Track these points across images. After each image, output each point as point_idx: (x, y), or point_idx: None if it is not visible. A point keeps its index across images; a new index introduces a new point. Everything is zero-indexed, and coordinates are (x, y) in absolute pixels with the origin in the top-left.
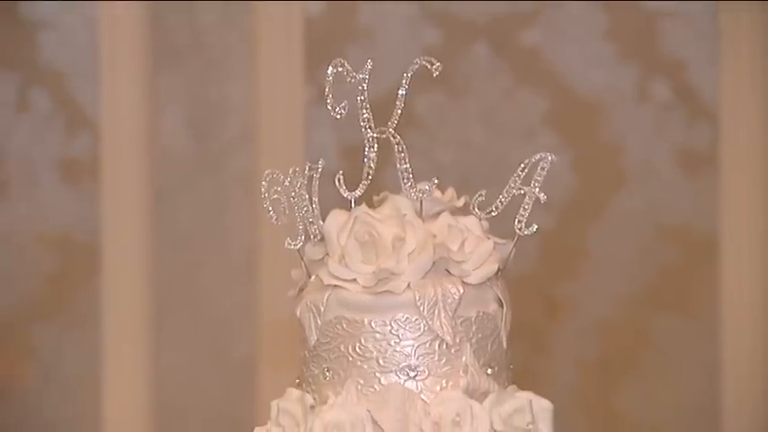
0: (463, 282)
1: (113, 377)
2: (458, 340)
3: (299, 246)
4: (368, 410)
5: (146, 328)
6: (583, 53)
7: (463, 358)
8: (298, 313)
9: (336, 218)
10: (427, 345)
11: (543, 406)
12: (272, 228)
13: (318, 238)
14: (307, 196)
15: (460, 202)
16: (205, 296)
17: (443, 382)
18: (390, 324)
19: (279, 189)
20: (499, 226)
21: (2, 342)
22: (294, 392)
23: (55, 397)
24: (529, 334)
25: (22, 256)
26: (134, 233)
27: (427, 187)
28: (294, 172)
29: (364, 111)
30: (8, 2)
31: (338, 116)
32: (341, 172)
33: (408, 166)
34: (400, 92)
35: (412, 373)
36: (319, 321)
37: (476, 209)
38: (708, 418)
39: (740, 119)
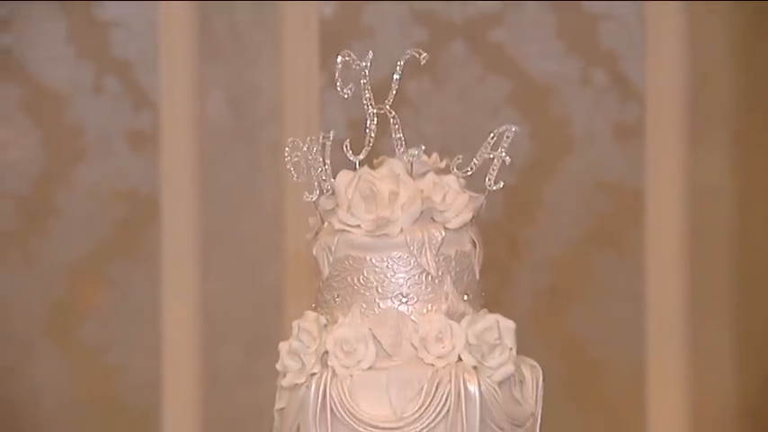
0: (444, 227)
1: (170, 303)
2: (440, 273)
3: (314, 198)
4: (369, 328)
5: (195, 264)
6: (538, 47)
7: (444, 287)
8: (314, 252)
9: (344, 176)
10: (416, 277)
11: (508, 326)
12: (294, 184)
13: (330, 192)
14: (321, 159)
15: (442, 164)
16: (242, 238)
17: (429, 306)
18: (387, 260)
19: (299, 154)
20: (473, 183)
21: (83, 275)
22: (311, 314)
23: (124, 319)
24: (496, 268)
25: (99, 207)
26: (186, 189)
27: (416, 152)
28: (311, 140)
29: (366, 92)
30: (86, 5)
31: (345, 96)
32: (348, 140)
33: (401, 135)
34: (395, 77)
35: (404, 299)
36: (331, 258)
37: (454, 169)
38: (635, 337)
39: (661, 100)
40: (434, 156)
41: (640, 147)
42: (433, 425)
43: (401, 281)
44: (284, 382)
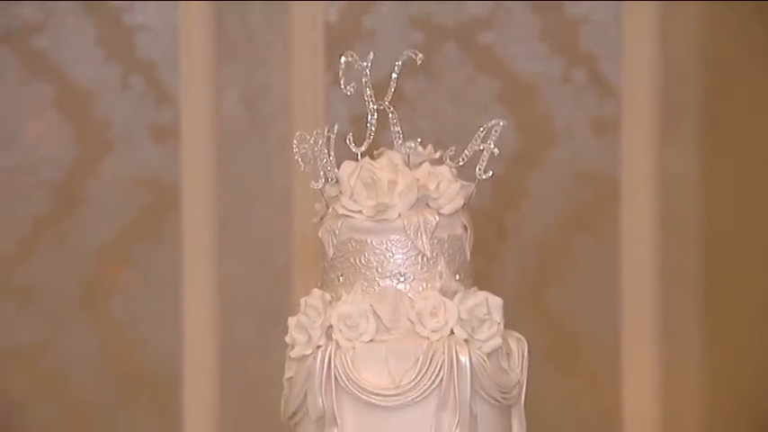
0: (438, 212)
1: (189, 281)
2: (434, 254)
3: (320, 186)
4: (370, 304)
5: (212, 246)
6: (523, 49)
7: (438, 267)
8: (320, 235)
9: (347, 166)
10: (413, 258)
11: (496, 302)
12: (301, 174)
13: (334, 181)
14: (326, 151)
15: (436, 156)
16: (254, 222)
17: (424, 284)
18: (386, 243)
19: (306, 146)
20: (464, 172)
21: (108, 257)
22: (317, 292)
23: (148, 296)
24: (485, 250)
25: (125, 195)
26: (204, 178)
27: (413, 145)
28: (317, 134)
29: (367, 89)
30: (114, 11)
31: (348, 93)
32: (350, 134)
33: (399, 129)
34: (393, 75)
35: (402, 278)
36: (335, 241)
37: (447, 160)
38: (611, 312)
39: (635, 97)
40: (429, 148)
41: (616, 140)
42: (427, 392)
43: (399, 261)
44: (293, 354)
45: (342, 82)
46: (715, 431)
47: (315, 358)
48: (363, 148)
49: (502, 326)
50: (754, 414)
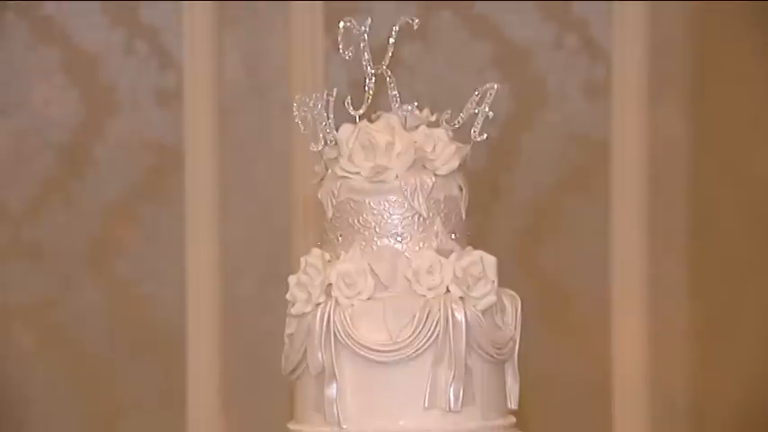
0: (435, 173)
1: (192, 241)
2: (431, 214)
3: (319, 148)
4: (368, 263)
5: (214, 206)
6: (517, 15)
7: (435, 227)
8: (319, 196)
9: (346, 129)
10: (409, 218)
11: (490, 261)
12: (301, 136)
13: (333, 143)
14: (325, 114)
15: (433, 118)
16: (256, 183)
17: (421, 243)
18: (384, 203)
19: (306, 109)
20: (460, 134)
21: (114, 216)
22: (317, 251)
23: (152, 256)
24: (480, 210)
25: (130, 156)
26: (206, 140)
27: (410, 108)
28: (316, 97)
29: (365, 54)
30: None
31: (347, 57)
32: (349, 97)
33: (396, 93)
34: (390, 40)
35: (399, 238)
36: (334, 201)
37: (444, 122)
38: (601, 270)
39: (625, 61)
40: (426, 111)
41: (607, 103)
42: (424, 348)
43: (396, 221)
44: (293, 311)
45: (340, 47)
46: (703, 386)
47: (314, 315)
48: (361, 112)
49: (496, 284)
50: (743, 370)
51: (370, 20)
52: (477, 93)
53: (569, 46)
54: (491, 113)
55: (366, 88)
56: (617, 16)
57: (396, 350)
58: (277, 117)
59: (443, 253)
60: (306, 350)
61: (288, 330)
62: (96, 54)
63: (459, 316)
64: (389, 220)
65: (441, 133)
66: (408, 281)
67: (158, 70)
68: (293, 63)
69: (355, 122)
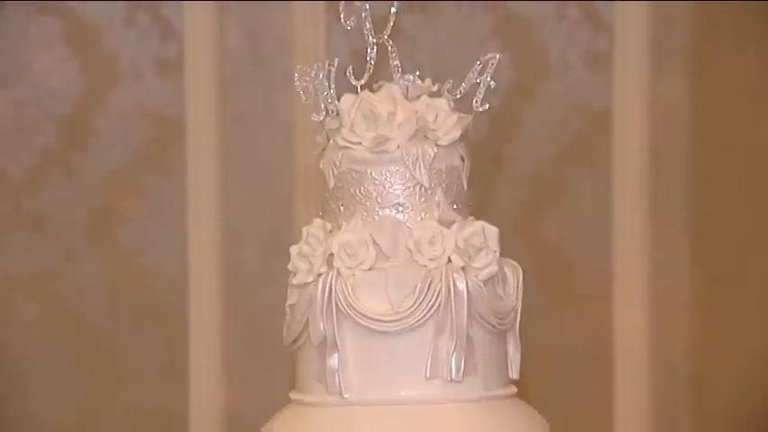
0: (436, 144)
1: (194, 211)
2: (432, 185)
3: (321, 119)
4: (369, 234)
5: (216, 177)
6: None
7: (436, 197)
8: (321, 166)
9: (348, 99)
10: (411, 188)
11: (492, 231)
12: (303, 106)
13: (335, 113)
14: (327, 84)
15: (435, 88)
16: (258, 153)
17: (422, 214)
18: (385, 174)
19: (307, 79)
20: (461, 105)
21: (116, 187)
22: (318, 221)
23: (154, 227)
24: (482, 180)
25: (131, 126)
26: (208, 111)
27: (411, 78)
28: (318, 67)
29: (367, 23)
30: None
31: (348, 27)
32: (350, 67)
33: (398, 63)
34: (392, 10)
35: (400, 208)
36: (336, 171)
37: (445, 93)
38: (603, 240)
39: (627, 31)
40: (428, 81)
41: (609, 73)
42: (425, 318)
43: (398, 192)
44: (295, 281)
45: (342, 16)
46: (704, 355)
47: (316, 285)
48: (363, 82)
49: (498, 254)
50: (744, 339)
51: None
52: (478, 63)
53: (571, 16)
54: (493, 83)
55: (368, 58)
56: None
57: (397, 320)
58: (278, 87)
59: (445, 223)
60: (307, 320)
61: (289, 301)
62: (98, 25)
63: (461, 286)
64: (391, 191)
65: (442, 103)
66: (410, 251)
67: (160, 41)
68: (295, 33)
69: (357, 92)
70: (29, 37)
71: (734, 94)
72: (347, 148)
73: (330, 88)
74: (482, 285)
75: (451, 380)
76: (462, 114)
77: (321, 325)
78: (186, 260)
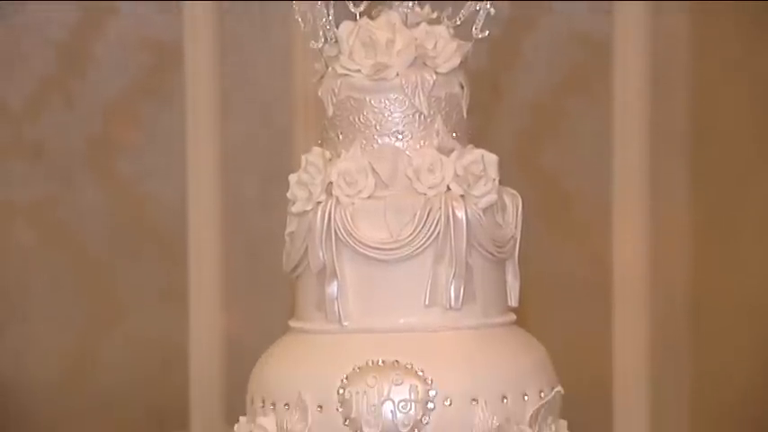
0: (436, 71)
1: (193, 139)
2: (432, 113)
3: (320, 46)
4: (369, 162)
5: (215, 105)
6: None
7: (436, 125)
8: (320, 94)
9: (346, 26)
10: (410, 116)
11: (491, 159)
12: (302, 34)
13: (333, 41)
14: (325, 11)
15: (434, 15)
16: (257, 80)
17: (422, 142)
18: (384, 101)
19: (306, 6)
20: (461, 32)
21: (115, 114)
22: (317, 149)
23: (153, 155)
24: (481, 109)
25: (130, 53)
26: (206, 39)
27: (411, 5)
28: None
29: None
30: None
31: None
32: None
33: None
34: None
35: (400, 136)
36: (335, 99)
37: (445, 19)
38: (603, 170)
39: None
40: (427, 7)
41: (609, 3)
42: (425, 246)
43: (397, 120)
44: (294, 209)
45: None
46: (703, 285)
47: (315, 213)
48: (362, 8)
49: (497, 182)
50: (743, 268)
51: None
52: None
53: None
54: (492, 10)
55: None
56: None
57: (396, 248)
58: (277, 14)
59: (444, 151)
60: (307, 249)
61: (289, 229)
62: None
63: (460, 214)
64: (390, 118)
65: (442, 30)
66: (409, 179)
67: (158, 12)
68: None
69: (356, 19)
70: None
71: (736, 21)
72: (346, 75)
73: (329, 15)
74: (481, 213)
75: (450, 307)
76: (462, 41)
77: (320, 253)
78: (185, 188)
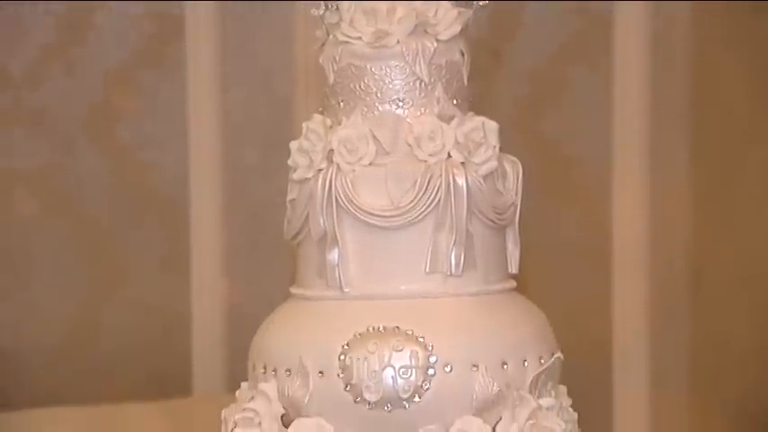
0: (436, 38)
1: (194, 107)
2: (432, 80)
3: (321, 13)
4: (369, 129)
5: (217, 70)
6: None
7: (436, 93)
8: (320, 61)
9: None
10: (411, 83)
11: (492, 126)
12: (303, 2)
13: (334, 8)
14: None
15: None
16: (257, 49)
17: (422, 109)
18: (385, 69)
19: None
20: None
21: (116, 82)
22: (318, 117)
23: (154, 121)
24: (482, 77)
25: (131, 21)
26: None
27: None
28: None
29: None
30: None
31: None
32: None
33: None
34: None
35: (400, 104)
36: (335, 67)
37: None
38: (603, 138)
39: None
40: None
41: None
42: (425, 213)
43: (398, 87)
44: (295, 176)
45: None
46: (703, 247)
47: (316, 181)
48: None
49: (497, 149)
50: (742, 234)
51: None
52: None
53: None
54: None
55: None
56: None
57: (397, 215)
58: None
59: (445, 118)
60: (308, 215)
61: (290, 196)
62: None
63: (461, 181)
64: (391, 86)
65: None
66: (410, 146)
67: None
68: None
69: None
70: None
71: None
72: (347, 43)
73: None
74: (482, 180)
75: (451, 274)
76: (462, 8)
77: (321, 220)
78: (187, 156)
